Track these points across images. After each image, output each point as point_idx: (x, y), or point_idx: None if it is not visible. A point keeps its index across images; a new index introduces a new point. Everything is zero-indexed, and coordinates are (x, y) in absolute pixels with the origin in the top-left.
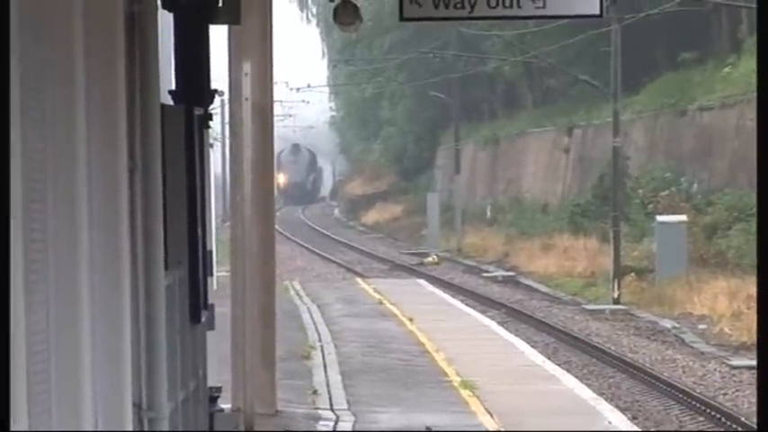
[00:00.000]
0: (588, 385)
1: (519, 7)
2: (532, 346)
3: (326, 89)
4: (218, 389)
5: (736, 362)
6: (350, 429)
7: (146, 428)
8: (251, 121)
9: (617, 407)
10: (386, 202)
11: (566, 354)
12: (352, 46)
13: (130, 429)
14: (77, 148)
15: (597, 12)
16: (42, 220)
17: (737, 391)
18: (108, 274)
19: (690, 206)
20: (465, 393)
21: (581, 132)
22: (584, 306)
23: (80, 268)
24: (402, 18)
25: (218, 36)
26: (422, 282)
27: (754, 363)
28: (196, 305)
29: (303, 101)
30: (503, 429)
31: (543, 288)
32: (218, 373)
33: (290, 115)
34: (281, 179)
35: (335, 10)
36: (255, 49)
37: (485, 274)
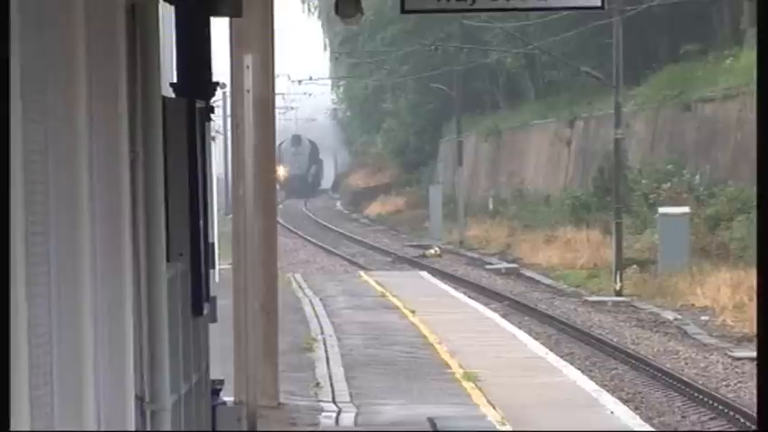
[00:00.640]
0: (591, 377)
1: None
2: (535, 338)
3: (328, 81)
4: (221, 381)
5: (738, 353)
6: (352, 422)
7: (148, 421)
8: (252, 113)
9: (619, 398)
10: (388, 194)
11: (568, 345)
12: (353, 38)
13: (132, 422)
14: (79, 139)
15: (599, 4)
16: (44, 212)
17: (740, 382)
18: (110, 266)
19: (692, 198)
20: (468, 385)
21: (583, 124)
22: (586, 298)
23: (82, 260)
24: (403, 10)
25: (220, 28)
26: (424, 274)
27: (755, 354)
28: (198, 297)
29: (305, 93)
30: (505, 421)
31: (546, 280)
32: (220, 365)
33: (292, 108)
34: (281, 172)
35: (337, 2)
36: (257, 41)
37: (487, 267)
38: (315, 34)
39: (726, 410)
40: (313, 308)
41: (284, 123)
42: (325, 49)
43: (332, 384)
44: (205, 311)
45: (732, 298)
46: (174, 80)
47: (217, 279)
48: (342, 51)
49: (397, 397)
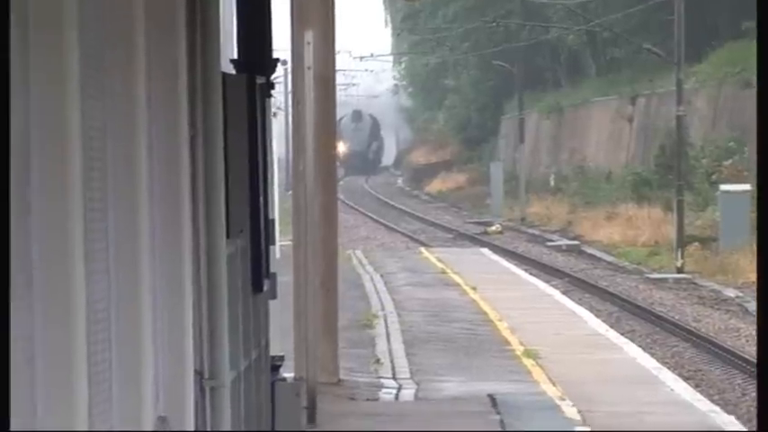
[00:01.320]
0: (651, 354)
1: None
2: (596, 315)
3: (390, 58)
4: (281, 358)
5: None
6: (412, 398)
7: (207, 397)
8: (313, 90)
9: (680, 375)
10: (450, 171)
11: (629, 323)
12: (415, 15)
13: (192, 398)
14: (137, 116)
15: None
16: (102, 189)
17: None
18: (169, 243)
19: (753, 175)
20: (528, 362)
21: (644, 101)
22: (647, 275)
23: (140, 237)
24: None
25: (282, 4)
26: (485, 251)
27: None
28: (258, 274)
29: (366, 70)
30: (564, 396)
31: (607, 257)
32: (280, 342)
33: (354, 84)
34: (340, 148)
35: None
36: (317, 17)
37: (548, 243)
38: (377, 11)
39: None
40: (373, 284)
41: (345, 100)
42: (386, 25)
43: (392, 361)
44: (265, 288)
45: None
46: (235, 56)
47: (278, 255)
48: (403, 28)
49: (457, 374)
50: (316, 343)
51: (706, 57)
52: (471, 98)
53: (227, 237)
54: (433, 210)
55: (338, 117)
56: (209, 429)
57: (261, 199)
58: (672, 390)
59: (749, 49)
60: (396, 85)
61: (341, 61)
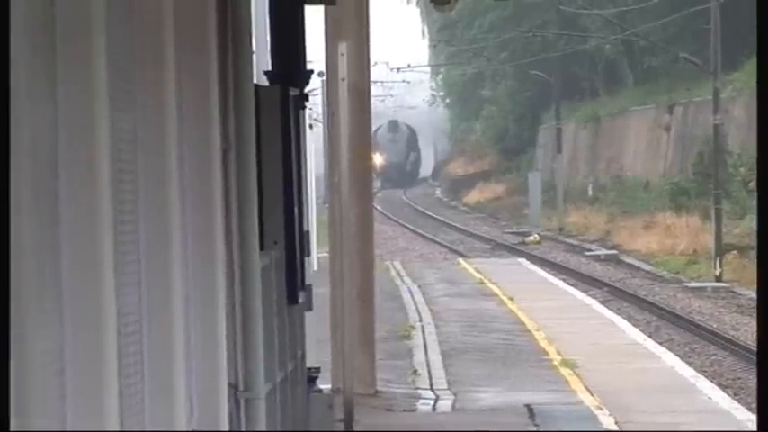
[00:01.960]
0: (690, 363)
1: None
2: (634, 325)
3: (427, 69)
4: (317, 369)
5: None
6: (450, 409)
7: (242, 409)
8: (347, 101)
9: (718, 384)
10: (487, 181)
11: (668, 332)
12: (452, 25)
13: (225, 409)
14: (169, 128)
15: None
16: (133, 201)
17: None
18: (202, 255)
19: None
20: (565, 372)
21: (682, 110)
22: (686, 284)
23: (173, 249)
24: None
25: (317, 16)
26: (523, 261)
27: None
28: (293, 286)
29: (403, 81)
30: (602, 406)
31: (645, 266)
32: (317, 353)
33: (391, 95)
34: (377, 159)
35: None
36: (351, 29)
37: (586, 253)
38: (413, 22)
39: None
40: (411, 295)
41: (383, 111)
42: (423, 36)
43: (429, 372)
44: (300, 300)
45: None
46: (270, 68)
47: (315, 267)
48: (440, 39)
49: (494, 384)
50: (352, 354)
51: (742, 65)
52: (509, 108)
53: (262, 249)
54: (471, 220)
55: (374, 128)
56: None
57: (296, 211)
58: (710, 398)
59: None
60: (433, 96)
61: (377, 73)
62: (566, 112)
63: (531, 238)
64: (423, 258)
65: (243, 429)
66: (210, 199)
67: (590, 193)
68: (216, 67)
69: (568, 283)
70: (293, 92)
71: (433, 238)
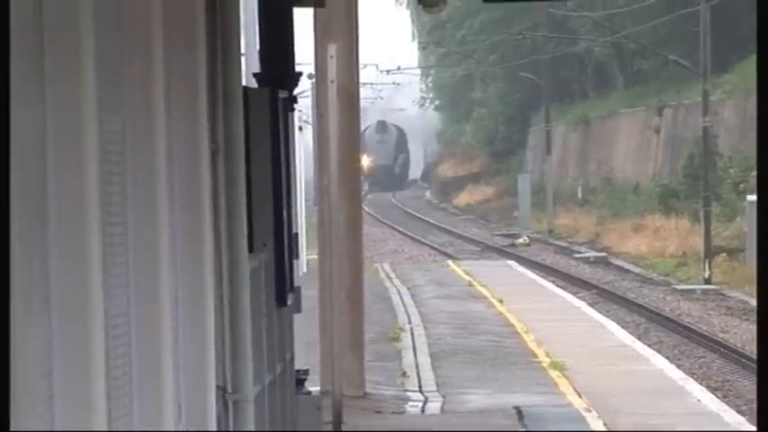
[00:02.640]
0: (678, 365)
1: None
2: (623, 327)
3: (417, 71)
4: (305, 371)
5: None
6: (438, 411)
7: (230, 411)
8: (336, 103)
9: (707, 387)
10: (477, 183)
11: (657, 334)
12: (441, 27)
13: (213, 412)
14: (157, 130)
15: None
16: (122, 203)
17: None
18: (190, 257)
19: None
20: (554, 374)
21: (671, 112)
22: (675, 286)
23: (161, 250)
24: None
25: (306, 18)
26: (512, 263)
27: None
28: (282, 288)
29: (393, 83)
30: (591, 408)
31: (635, 268)
32: (305, 355)
33: (381, 98)
34: (364, 162)
35: None
36: (341, 31)
37: (576, 255)
38: (403, 24)
39: None
40: (400, 297)
41: (372, 113)
42: (413, 38)
43: (418, 374)
44: (289, 302)
45: None
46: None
47: (304, 269)
48: (429, 41)
49: (483, 386)
50: (341, 356)
51: (732, 68)
52: (498, 111)
53: (251, 251)
54: (461, 222)
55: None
56: None
57: (284, 213)
58: (699, 401)
59: None
60: (423, 98)
61: (367, 75)
62: (555, 114)
63: (521, 240)
64: (412, 260)
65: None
66: (199, 201)
67: (579, 195)
68: (205, 69)
69: (558, 286)
70: (282, 94)
71: (423, 240)
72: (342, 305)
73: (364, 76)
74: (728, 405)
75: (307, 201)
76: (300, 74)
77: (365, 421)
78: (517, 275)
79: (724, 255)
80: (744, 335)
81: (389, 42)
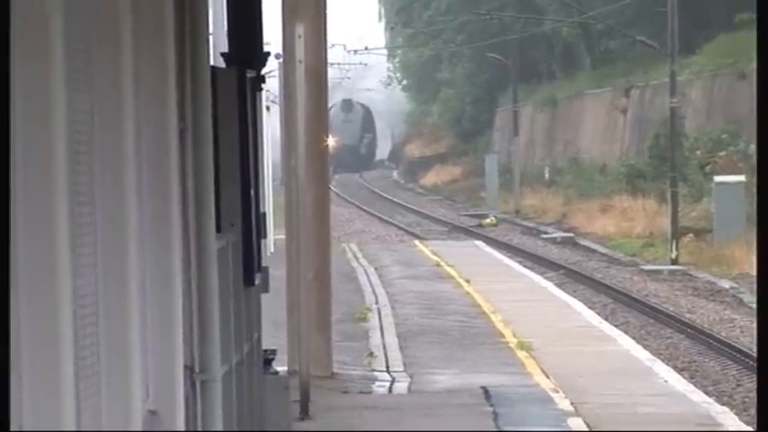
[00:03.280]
0: (645, 346)
1: None
2: (590, 308)
3: (384, 51)
4: (273, 351)
5: None
6: (406, 391)
7: (198, 391)
8: (304, 83)
9: (674, 367)
10: (444, 164)
11: (624, 314)
12: (409, 7)
13: (181, 392)
14: (125, 110)
15: None
16: (89, 183)
17: None
18: (158, 237)
19: (748, 166)
20: (521, 354)
21: (639, 93)
22: (642, 267)
23: (129, 231)
24: None
25: None
26: (480, 243)
27: None
28: (249, 268)
29: (361, 63)
30: (558, 389)
31: (601, 249)
32: (273, 335)
33: (348, 78)
34: (329, 142)
35: None
36: (308, 11)
37: (543, 236)
38: (371, 4)
39: None
40: (368, 277)
41: (340, 93)
42: (380, 18)
43: (386, 354)
44: (257, 281)
45: None
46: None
47: (272, 249)
48: (397, 21)
49: (450, 366)
50: (308, 336)
51: (700, 48)
52: (466, 91)
53: (218, 231)
54: (428, 203)
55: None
56: (199, 423)
57: (252, 193)
58: (666, 381)
59: (743, 40)
60: (390, 78)
61: (334, 55)
62: (523, 94)
63: (488, 220)
64: (379, 240)
65: (199, 411)
66: (167, 180)
67: (547, 175)
68: (173, 49)
69: (525, 266)
70: (250, 74)
71: (390, 220)
72: (309, 285)
73: (332, 56)
74: (695, 386)
75: (274, 180)
76: (268, 54)
77: (332, 401)
78: (484, 256)
79: (691, 235)
80: (710, 315)
81: (357, 22)
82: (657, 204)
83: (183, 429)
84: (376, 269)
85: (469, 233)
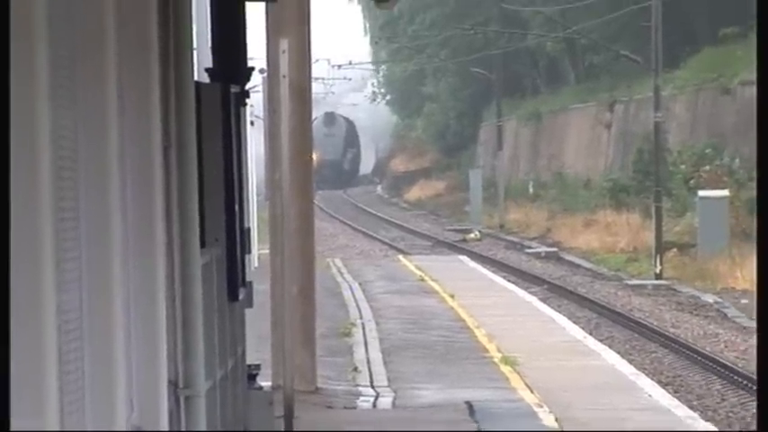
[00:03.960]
0: (630, 361)
1: None
2: (574, 322)
3: (369, 66)
4: (257, 366)
5: None
6: (390, 406)
7: (182, 406)
8: (288, 98)
9: (658, 382)
10: (428, 178)
11: (608, 329)
12: (393, 22)
13: (165, 407)
14: (109, 126)
15: None
16: (74, 198)
17: None
18: (142, 252)
19: (732, 181)
20: (506, 369)
21: (623, 108)
22: (626, 281)
23: (113, 247)
24: None
25: (258, 13)
26: (464, 258)
27: None
28: (233, 283)
29: (345, 78)
30: (542, 404)
31: (586, 264)
32: (257, 350)
33: (332, 92)
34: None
35: None
36: (293, 26)
37: (527, 250)
38: (355, 19)
39: None
40: (352, 292)
41: (323, 108)
42: (365, 33)
43: (370, 369)
44: (241, 296)
45: None
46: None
47: (256, 264)
48: (382, 36)
49: (434, 381)
50: (293, 351)
51: (684, 63)
52: (450, 105)
53: (202, 246)
54: (412, 217)
55: None
56: None
57: (236, 208)
58: (650, 396)
59: (727, 55)
60: (374, 93)
61: (319, 70)
62: (507, 109)
63: (472, 235)
64: (363, 255)
65: (183, 427)
66: (151, 196)
67: (531, 190)
68: (157, 64)
69: (509, 281)
70: (234, 89)
71: (374, 235)
72: (293, 300)
73: (316, 70)
74: (680, 400)
75: (258, 195)
76: (252, 69)
77: (317, 416)
78: (468, 270)
79: (675, 250)
80: (695, 330)
81: (341, 37)
82: (641, 219)
83: None
84: (360, 284)
85: (453, 248)
